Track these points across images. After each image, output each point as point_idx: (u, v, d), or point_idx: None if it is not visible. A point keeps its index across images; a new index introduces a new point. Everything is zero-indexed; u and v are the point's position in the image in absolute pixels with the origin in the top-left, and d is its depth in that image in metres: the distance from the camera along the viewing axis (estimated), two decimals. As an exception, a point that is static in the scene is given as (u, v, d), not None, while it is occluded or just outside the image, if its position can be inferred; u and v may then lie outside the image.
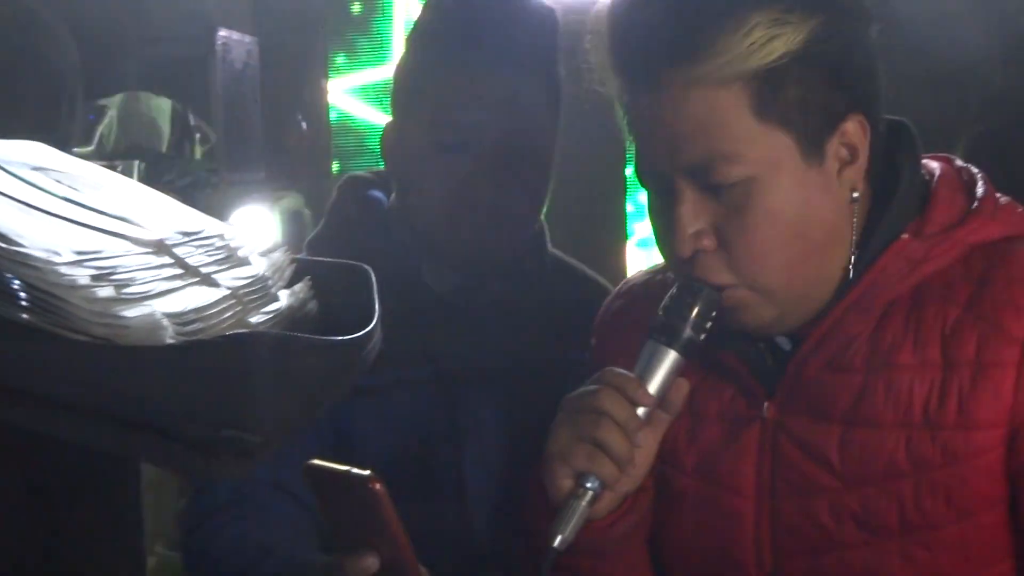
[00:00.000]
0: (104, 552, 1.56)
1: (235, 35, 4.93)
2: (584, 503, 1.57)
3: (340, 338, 1.28)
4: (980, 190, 1.65)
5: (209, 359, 1.20)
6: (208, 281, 1.33)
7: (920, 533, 1.59)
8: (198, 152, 4.96)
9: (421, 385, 2.04)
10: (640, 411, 1.58)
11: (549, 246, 2.19)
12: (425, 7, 2.11)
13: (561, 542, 1.56)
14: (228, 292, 1.33)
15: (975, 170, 1.69)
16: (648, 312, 1.63)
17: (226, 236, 1.43)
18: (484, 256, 2.05)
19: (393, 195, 2.14)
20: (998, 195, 1.66)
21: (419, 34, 2.09)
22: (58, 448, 1.27)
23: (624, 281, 1.92)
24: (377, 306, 1.43)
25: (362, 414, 1.99)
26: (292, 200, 4.85)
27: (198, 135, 4.92)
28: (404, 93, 2.09)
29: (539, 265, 2.15)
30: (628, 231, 5.30)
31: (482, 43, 2.02)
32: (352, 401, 1.93)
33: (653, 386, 1.59)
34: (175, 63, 4.96)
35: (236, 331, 1.27)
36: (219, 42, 4.80)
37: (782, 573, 1.66)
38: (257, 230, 3.61)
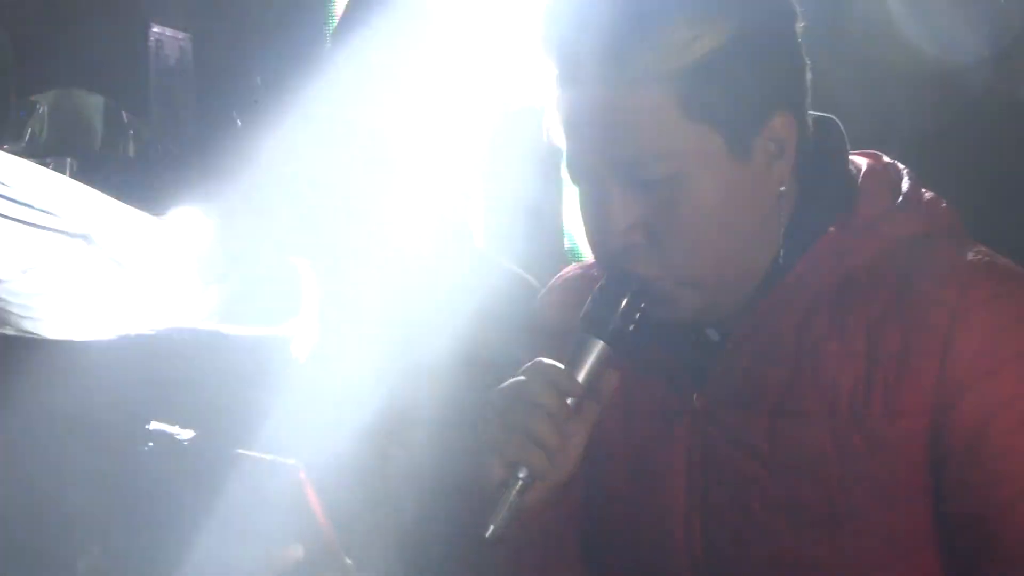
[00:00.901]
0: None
1: (168, 31, 4.89)
2: (515, 493, 1.58)
3: (267, 333, 1.28)
4: (905, 185, 1.68)
5: (138, 353, 1.20)
6: (137, 274, 1.32)
7: (847, 522, 1.61)
8: (131, 150, 4.91)
9: None
10: (570, 401, 1.59)
11: (473, 241, 2.20)
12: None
13: (493, 532, 1.56)
14: (157, 286, 1.32)
15: (901, 166, 1.72)
16: (581, 305, 1.65)
17: (155, 230, 1.43)
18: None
19: None
20: (923, 191, 1.69)
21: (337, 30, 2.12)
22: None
23: (558, 275, 1.93)
24: (306, 303, 1.43)
25: None
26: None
27: (131, 132, 4.87)
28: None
29: (461, 259, 2.16)
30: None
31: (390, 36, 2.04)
32: None
33: (582, 376, 1.60)
34: (108, 59, 4.92)
35: (165, 326, 1.27)
36: (152, 39, 4.77)
37: (713, 563, 1.68)
38: (192, 227, 3.58)
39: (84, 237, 1.29)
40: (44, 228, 1.29)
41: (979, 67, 3.49)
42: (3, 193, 1.35)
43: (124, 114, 4.85)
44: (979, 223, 1.78)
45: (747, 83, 1.57)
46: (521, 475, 1.57)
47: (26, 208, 1.33)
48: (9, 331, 1.16)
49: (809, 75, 1.64)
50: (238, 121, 5.21)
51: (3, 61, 2.15)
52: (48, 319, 1.17)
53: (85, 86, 4.81)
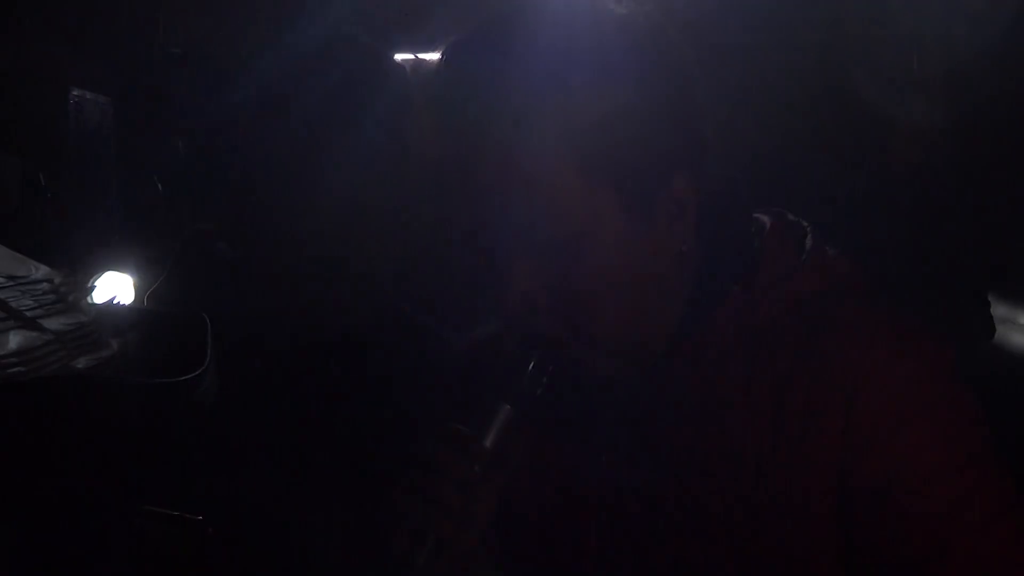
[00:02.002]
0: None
1: (89, 94, 4.86)
2: (423, 560, 1.56)
3: (163, 381, 1.26)
4: (808, 243, 1.69)
5: (29, 401, 1.17)
6: (32, 325, 1.30)
7: None
8: (48, 213, 4.85)
9: None
10: (478, 467, 1.59)
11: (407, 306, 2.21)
12: None
13: None
14: (52, 336, 1.30)
15: (804, 223, 1.73)
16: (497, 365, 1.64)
17: (56, 282, 1.41)
18: None
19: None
20: (827, 248, 1.70)
21: None
22: None
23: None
24: (209, 352, 1.42)
25: None
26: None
27: (49, 195, 4.81)
28: None
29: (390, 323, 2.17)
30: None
31: None
32: None
33: (489, 441, 1.60)
34: (26, 121, 4.88)
35: (58, 374, 1.24)
36: (72, 101, 4.73)
37: None
38: (113, 288, 3.59)
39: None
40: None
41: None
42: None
43: (41, 176, 4.80)
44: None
45: (647, 145, 1.57)
46: (429, 543, 1.57)
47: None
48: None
49: (710, 134, 1.65)
50: (159, 185, 5.19)
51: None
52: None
53: (2, 148, 4.76)
